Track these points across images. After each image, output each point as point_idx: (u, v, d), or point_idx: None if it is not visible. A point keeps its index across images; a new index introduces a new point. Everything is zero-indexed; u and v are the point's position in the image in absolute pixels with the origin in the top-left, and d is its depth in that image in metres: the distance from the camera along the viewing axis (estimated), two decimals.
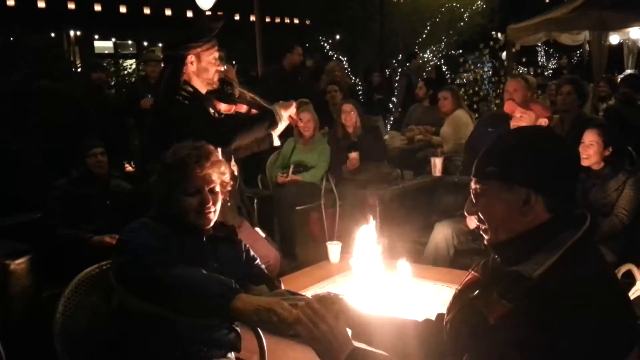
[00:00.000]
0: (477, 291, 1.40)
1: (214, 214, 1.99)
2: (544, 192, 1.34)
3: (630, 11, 8.17)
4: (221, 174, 2.01)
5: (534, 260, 1.29)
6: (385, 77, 10.41)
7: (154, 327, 1.87)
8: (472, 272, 1.50)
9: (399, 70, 10.64)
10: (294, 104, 3.00)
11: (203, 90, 2.90)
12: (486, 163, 1.41)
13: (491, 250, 1.45)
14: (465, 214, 1.47)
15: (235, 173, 3.01)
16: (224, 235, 2.09)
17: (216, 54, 2.89)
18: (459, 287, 1.52)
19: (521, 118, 3.43)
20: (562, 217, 1.35)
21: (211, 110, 2.91)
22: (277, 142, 3.07)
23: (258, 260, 2.16)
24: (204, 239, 2.01)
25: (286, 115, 2.92)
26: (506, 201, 1.36)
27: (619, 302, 1.31)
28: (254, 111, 2.97)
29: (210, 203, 1.96)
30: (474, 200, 1.43)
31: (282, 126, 2.91)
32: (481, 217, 1.42)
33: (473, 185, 1.43)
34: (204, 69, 2.84)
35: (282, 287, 2.12)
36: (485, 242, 1.44)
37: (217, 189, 1.99)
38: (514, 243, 1.37)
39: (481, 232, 1.44)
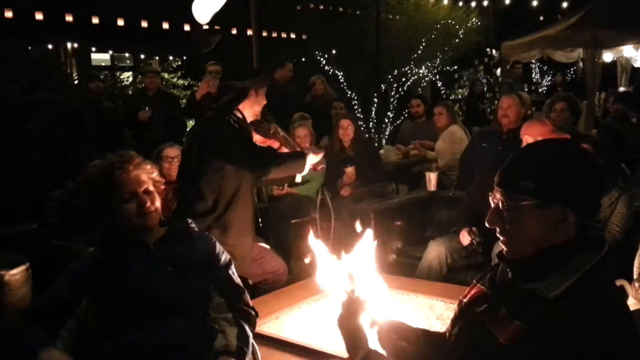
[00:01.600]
0: (484, 306, 1.37)
1: (157, 212, 2.03)
2: (580, 210, 1.31)
3: (623, 29, 8.28)
4: (149, 172, 2.05)
5: (551, 280, 1.26)
6: (382, 91, 10.47)
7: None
8: (479, 285, 1.46)
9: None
10: (322, 153, 3.26)
11: (248, 120, 3.13)
12: (518, 176, 1.34)
13: (503, 264, 1.41)
14: (487, 224, 1.41)
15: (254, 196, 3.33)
16: (179, 233, 2.12)
17: (265, 89, 3.18)
18: (465, 300, 1.48)
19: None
20: (584, 238, 1.32)
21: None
22: (299, 179, 3.37)
23: (231, 268, 2.16)
24: (152, 247, 2.03)
25: (314, 161, 3.16)
26: (541, 218, 1.31)
27: (632, 331, 1.28)
28: (284, 149, 3.22)
29: (149, 203, 2.00)
30: (497, 212, 1.37)
31: (306, 170, 3.13)
32: (506, 229, 1.37)
33: (499, 197, 1.37)
34: (257, 102, 3.13)
35: (250, 304, 2.15)
36: (504, 253, 1.40)
37: (151, 188, 2.03)
38: (533, 260, 1.33)
39: (500, 243, 1.40)
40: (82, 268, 2.01)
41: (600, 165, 1.41)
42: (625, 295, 2.54)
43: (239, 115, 3.09)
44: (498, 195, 1.37)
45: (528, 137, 3.37)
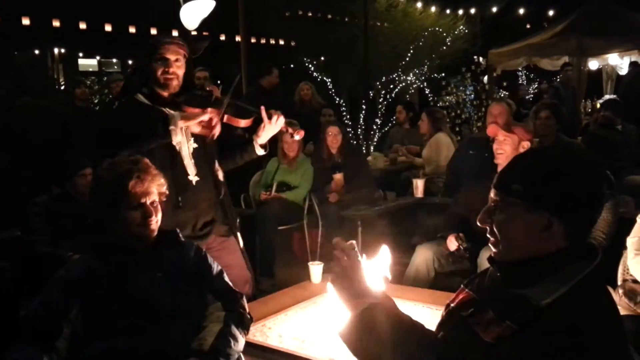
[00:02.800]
0: (471, 309, 1.37)
1: (157, 223, 2.08)
2: (567, 220, 1.31)
3: (608, 38, 8.39)
4: (160, 185, 2.09)
5: (543, 288, 1.25)
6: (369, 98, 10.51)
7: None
8: (466, 290, 1.46)
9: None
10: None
11: (165, 93, 2.84)
12: (512, 178, 1.36)
13: (494, 267, 1.41)
14: (478, 223, 1.42)
15: (221, 178, 2.98)
16: (167, 241, 2.14)
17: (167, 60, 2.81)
18: (453, 305, 1.48)
19: (504, 141, 3.45)
20: (576, 247, 1.32)
21: (177, 113, 2.80)
22: (260, 152, 3.04)
23: (224, 275, 2.19)
24: (142, 252, 2.05)
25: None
26: (526, 222, 1.32)
27: (624, 341, 1.28)
28: (227, 116, 2.86)
29: (153, 215, 2.04)
30: (489, 212, 1.39)
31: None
32: (494, 230, 1.38)
33: (493, 196, 1.39)
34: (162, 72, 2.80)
35: (247, 308, 2.15)
36: (492, 254, 1.41)
37: (157, 199, 2.08)
38: (524, 265, 1.33)
39: (489, 244, 1.41)
40: (73, 274, 2.01)
41: (600, 184, 1.39)
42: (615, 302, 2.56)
43: (145, 91, 2.81)
44: (492, 195, 1.40)
45: (501, 134, 3.44)
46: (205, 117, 2.77)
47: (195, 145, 2.87)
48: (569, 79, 8.77)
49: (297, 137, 3.16)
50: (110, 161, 2.08)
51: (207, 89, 2.95)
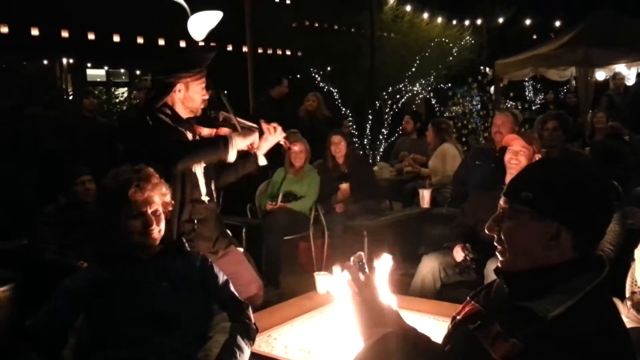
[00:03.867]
0: (478, 322, 1.36)
1: (159, 232, 2.07)
2: (576, 230, 1.30)
3: (615, 48, 8.38)
4: (162, 195, 2.09)
5: (549, 300, 1.24)
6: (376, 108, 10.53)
7: None
8: (473, 302, 1.45)
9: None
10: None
11: (184, 116, 2.93)
12: (522, 186, 1.36)
13: (500, 278, 1.40)
14: (486, 230, 1.41)
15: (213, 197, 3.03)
16: (173, 250, 2.14)
17: (204, 84, 2.95)
18: (459, 317, 1.47)
19: (520, 152, 3.41)
20: (584, 259, 1.31)
21: (189, 135, 2.93)
22: (263, 162, 3.11)
23: (230, 285, 2.20)
24: (148, 261, 2.05)
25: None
26: (534, 231, 1.31)
27: (631, 354, 1.27)
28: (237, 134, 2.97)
29: (154, 225, 2.03)
30: (498, 220, 1.38)
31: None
32: (502, 238, 1.37)
33: (502, 204, 1.38)
34: (190, 98, 2.90)
35: (252, 319, 2.15)
36: (498, 265, 1.40)
37: (160, 209, 2.07)
38: (530, 277, 1.32)
39: (497, 253, 1.40)
40: (78, 284, 2.02)
41: (610, 195, 1.39)
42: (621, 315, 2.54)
43: (168, 111, 2.86)
44: (501, 203, 1.39)
45: (518, 143, 3.42)
46: (256, 137, 2.96)
47: (204, 165, 2.97)
48: (619, 87, 8.80)
49: (295, 148, 3.26)
50: (114, 170, 2.09)
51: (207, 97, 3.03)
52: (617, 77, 9.09)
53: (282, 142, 3.16)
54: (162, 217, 2.09)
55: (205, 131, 2.98)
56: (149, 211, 2.04)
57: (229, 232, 3.20)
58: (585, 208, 1.31)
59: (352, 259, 1.48)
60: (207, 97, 2.99)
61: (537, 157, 3.35)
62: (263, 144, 3.06)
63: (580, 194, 1.31)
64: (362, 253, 1.52)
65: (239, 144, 2.87)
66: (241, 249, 3.26)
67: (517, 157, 3.38)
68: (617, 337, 1.26)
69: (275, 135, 3.04)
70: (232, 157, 2.86)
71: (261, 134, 3.03)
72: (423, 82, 11.67)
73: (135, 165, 2.10)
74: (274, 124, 3.06)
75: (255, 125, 3.04)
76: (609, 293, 1.34)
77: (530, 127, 7.88)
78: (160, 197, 2.08)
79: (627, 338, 1.30)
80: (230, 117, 3.01)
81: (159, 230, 2.07)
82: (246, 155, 3.10)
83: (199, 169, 2.94)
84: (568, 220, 1.30)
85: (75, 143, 6.11)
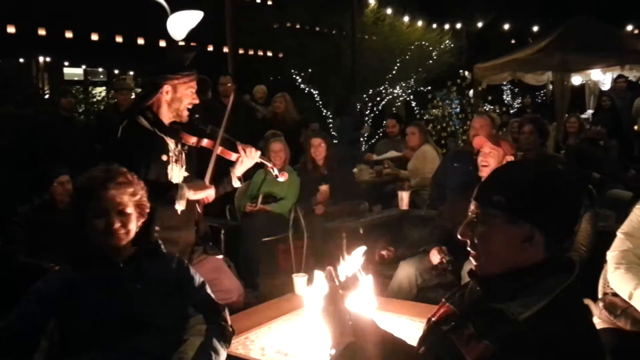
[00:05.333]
0: (452, 324, 1.37)
1: (127, 234, 2.02)
2: (549, 232, 1.31)
3: (591, 54, 8.51)
4: (132, 195, 2.04)
5: (521, 302, 1.25)
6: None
7: None
8: (448, 304, 1.46)
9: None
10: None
11: (167, 120, 2.90)
12: (493, 190, 1.36)
13: (473, 281, 1.41)
14: (458, 236, 1.42)
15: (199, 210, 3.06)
16: (149, 253, 2.12)
17: (194, 88, 2.92)
18: (434, 319, 1.48)
19: (490, 153, 3.46)
20: (555, 260, 1.32)
21: (174, 142, 2.91)
22: (237, 184, 3.14)
23: (206, 287, 2.17)
24: (121, 264, 2.02)
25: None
26: (507, 234, 1.32)
27: (601, 355, 1.29)
28: (221, 149, 2.98)
29: (118, 225, 1.99)
30: (471, 225, 1.39)
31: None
32: (475, 243, 1.38)
33: (473, 209, 1.39)
34: (177, 99, 2.87)
35: (229, 321, 2.15)
36: (473, 268, 1.41)
37: (129, 210, 2.02)
38: (503, 279, 1.33)
39: (470, 258, 1.41)
40: (51, 286, 1.99)
41: (579, 196, 1.42)
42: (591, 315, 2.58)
43: (150, 116, 2.82)
44: (472, 207, 1.40)
45: (487, 146, 3.45)
46: (211, 196, 2.97)
47: (186, 174, 2.97)
48: (621, 90, 8.96)
49: (281, 179, 3.35)
50: (89, 170, 2.07)
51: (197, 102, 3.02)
52: (618, 81, 9.22)
53: (269, 168, 3.24)
54: (133, 218, 2.04)
55: (192, 140, 2.97)
56: (115, 211, 1.99)
57: (210, 242, 3.19)
58: (555, 209, 1.32)
59: (324, 273, 1.54)
60: (197, 102, 2.95)
61: (508, 158, 3.40)
62: (238, 167, 3.06)
63: (550, 194, 1.33)
64: (331, 268, 1.57)
65: (190, 195, 2.87)
66: (220, 256, 3.24)
67: (486, 159, 3.43)
68: (586, 338, 1.28)
69: (250, 157, 3.03)
70: (180, 207, 2.85)
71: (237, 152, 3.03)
72: (403, 84, 11.75)
73: (107, 166, 2.08)
74: (249, 146, 3.05)
75: (238, 143, 3.04)
76: (580, 294, 1.36)
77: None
78: (129, 197, 2.02)
79: (597, 339, 1.32)
80: (215, 130, 3.00)
81: (126, 231, 2.01)
82: (222, 176, 3.10)
83: (176, 178, 2.93)
84: (540, 221, 1.31)
85: (52, 143, 6.02)
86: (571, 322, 1.26)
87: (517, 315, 1.23)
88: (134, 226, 2.05)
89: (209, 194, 2.97)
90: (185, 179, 2.96)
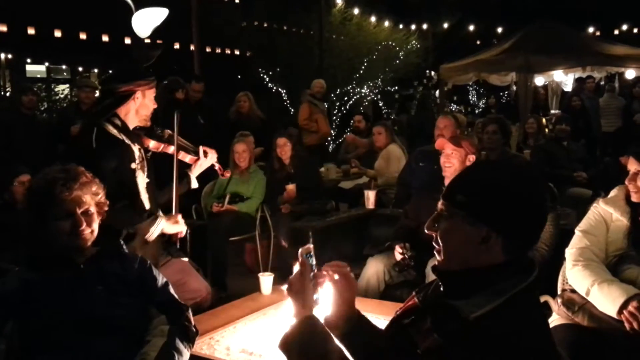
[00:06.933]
0: (412, 317, 1.39)
1: (91, 234, 2.01)
2: (506, 235, 1.32)
3: (553, 55, 8.72)
4: (94, 194, 2.02)
5: (474, 301, 1.27)
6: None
7: None
8: (415, 299, 1.48)
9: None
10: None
11: (132, 125, 2.93)
12: (458, 189, 1.39)
13: (435, 276, 1.44)
14: (425, 229, 1.45)
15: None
16: (110, 253, 2.09)
17: (155, 93, 2.98)
18: (398, 312, 1.50)
19: (452, 154, 3.52)
20: (513, 263, 1.34)
21: (136, 148, 2.91)
22: (195, 185, 3.23)
23: (170, 288, 2.16)
24: (82, 266, 2.00)
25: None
26: (465, 234, 1.34)
27: (553, 352, 1.31)
28: (181, 153, 3.08)
29: (84, 225, 1.96)
30: (436, 219, 1.41)
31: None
32: (438, 238, 1.41)
33: (440, 205, 1.41)
34: (145, 105, 2.91)
35: (192, 321, 2.14)
36: (436, 262, 1.43)
37: (92, 209, 2.00)
38: (461, 277, 1.35)
39: (435, 252, 1.43)
40: (7, 289, 1.94)
41: (545, 201, 1.42)
42: (549, 311, 2.64)
43: (117, 122, 2.85)
44: (439, 204, 1.42)
45: (448, 147, 3.52)
46: (183, 229, 3.05)
47: (147, 180, 2.98)
48: (590, 91, 9.22)
49: (227, 175, 3.61)
50: (44, 170, 2.01)
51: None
52: (587, 81, 9.41)
53: (216, 169, 3.32)
54: (95, 217, 2.02)
55: (152, 144, 3.03)
56: (79, 211, 1.96)
57: (177, 245, 3.22)
58: (517, 215, 1.33)
59: (300, 250, 1.58)
60: (155, 106, 3.00)
61: (471, 157, 3.46)
62: (196, 168, 3.17)
63: (512, 200, 1.33)
64: (311, 245, 1.59)
65: (165, 227, 2.95)
66: (186, 259, 3.28)
67: (449, 159, 3.50)
68: (537, 338, 1.29)
69: (207, 159, 3.15)
70: (152, 237, 2.89)
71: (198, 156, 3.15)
72: (371, 84, 11.82)
73: (64, 165, 2.03)
74: (207, 148, 3.17)
75: (194, 147, 3.16)
76: (536, 294, 1.38)
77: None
78: (91, 196, 2.00)
79: (549, 340, 1.34)
80: (174, 135, 3.06)
81: (90, 231, 1.99)
82: (180, 177, 3.14)
83: (141, 184, 2.93)
84: (498, 225, 1.33)
85: (13, 141, 5.88)
86: (520, 324, 1.28)
87: (468, 314, 1.25)
88: (96, 225, 2.02)
89: (181, 229, 3.05)
90: (147, 185, 2.97)
